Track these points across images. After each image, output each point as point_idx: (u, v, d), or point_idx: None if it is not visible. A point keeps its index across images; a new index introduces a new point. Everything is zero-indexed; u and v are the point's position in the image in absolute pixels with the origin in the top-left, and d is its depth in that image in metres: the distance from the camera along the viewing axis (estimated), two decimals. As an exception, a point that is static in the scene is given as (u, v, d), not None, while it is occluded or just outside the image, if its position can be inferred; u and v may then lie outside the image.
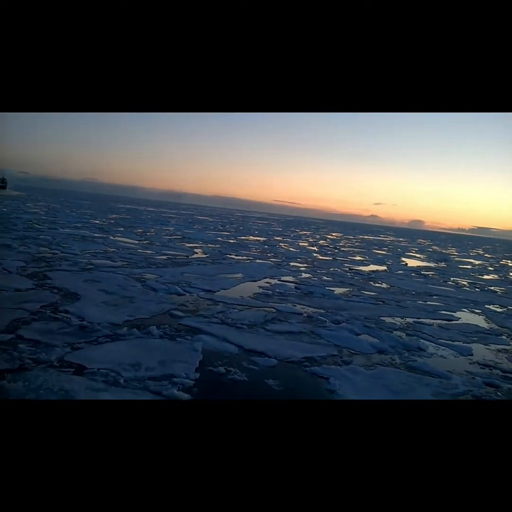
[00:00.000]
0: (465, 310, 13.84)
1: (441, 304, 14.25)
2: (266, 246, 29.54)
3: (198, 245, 25.16)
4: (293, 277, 16.59)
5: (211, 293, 11.81)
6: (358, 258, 28.61)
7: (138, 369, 6.08)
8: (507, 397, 6.69)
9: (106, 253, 17.54)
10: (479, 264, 36.52)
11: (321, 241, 43.25)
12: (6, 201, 48.66)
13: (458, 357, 8.65)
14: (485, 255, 54.67)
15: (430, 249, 52.63)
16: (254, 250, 25.70)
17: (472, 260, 40.79)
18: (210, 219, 67.64)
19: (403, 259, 32.38)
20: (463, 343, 9.63)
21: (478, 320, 12.54)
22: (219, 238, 31.88)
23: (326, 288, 14.65)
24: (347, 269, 21.29)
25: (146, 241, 23.77)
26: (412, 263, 29.88)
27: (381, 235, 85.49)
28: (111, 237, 23.82)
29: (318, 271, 19.22)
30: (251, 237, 37.94)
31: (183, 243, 25.08)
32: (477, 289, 19.41)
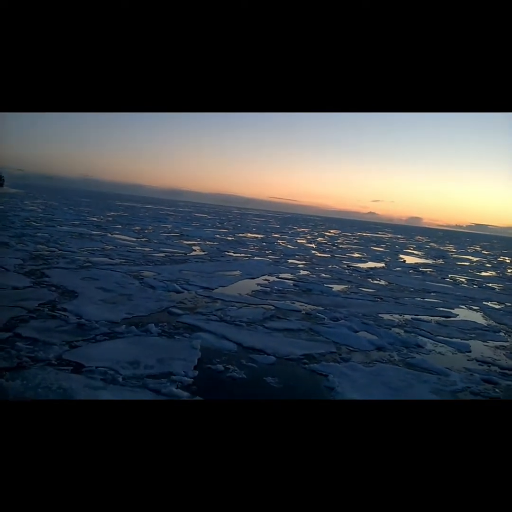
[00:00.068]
0: (463, 306, 13.86)
1: (439, 301, 14.27)
2: (264, 243, 29.52)
3: (196, 242, 25.14)
4: (292, 274, 16.59)
5: (209, 291, 11.80)
6: (356, 255, 28.61)
7: (137, 367, 6.07)
8: (506, 393, 6.70)
9: (104, 250, 17.50)
10: (476, 261, 36.59)
11: (319, 238, 43.25)
12: (3, 199, 48.52)
13: (456, 353, 8.66)
14: (482, 252, 54.77)
15: (428, 246, 52.69)
16: (252, 247, 25.68)
17: (469, 257, 40.86)
18: (208, 217, 67.59)
19: (401, 256, 32.40)
20: (461, 339, 9.64)
21: (476, 317, 12.56)
22: (217, 236, 31.86)
23: (325, 285, 14.65)
24: (345, 266, 21.29)
25: (144, 239, 23.74)
26: (410, 260, 29.91)
27: (379, 232, 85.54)
28: (109, 235, 23.76)
29: (316, 268, 19.22)
30: (249, 234, 37.93)
31: (181, 241, 25.05)
32: (475, 286, 19.44)
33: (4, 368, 5.52)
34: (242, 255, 21.23)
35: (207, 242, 25.81)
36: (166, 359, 6.46)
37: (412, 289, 16.11)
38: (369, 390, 6.17)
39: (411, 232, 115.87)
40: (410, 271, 22.44)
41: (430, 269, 24.34)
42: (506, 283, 22.18)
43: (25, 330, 6.98)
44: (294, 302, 11.62)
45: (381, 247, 39.74)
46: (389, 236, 73.17)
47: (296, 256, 23.28)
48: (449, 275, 22.31)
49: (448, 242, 75.87)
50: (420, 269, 23.98)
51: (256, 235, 37.74)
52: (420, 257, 34.36)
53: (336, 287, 14.60)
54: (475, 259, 39.09)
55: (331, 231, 65.92)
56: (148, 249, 19.46)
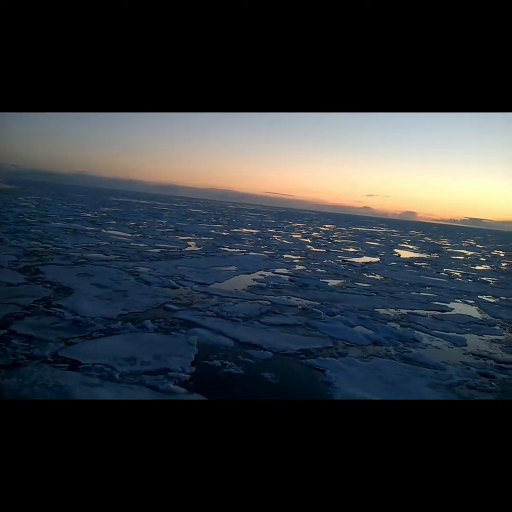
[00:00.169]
0: (458, 300, 13.92)
1: (434, 295, 14.32)
2: (260, 239, 29.50)
3: (191, 238, 25.08)
4: (287, 269, 16.59)
5: (205, 286, 11.77)
6: (351, 249, 28.66)
7: (134, 364, 6.05)
8: (502, 387, 6.74)
9: (98, 246, 17.42)
10: (471, 255, 36.75)
11: (314, 233, 43.27)
12: (-4, 195, 48.14)
13: (452, 347, 8.70)
14: (477, 246, 55.04)
15: (423, 240, 52.86)
16: (248, 243, 25.66)
17: (464, 251, 41.04)
18: (203, 212, 67.42)
19: (396, 250, 32.49)
20: (457, 333, 9.69)
21: (471, 311, 12.62)
22: (212, 231, 31.80)
23: (320, 280, 14.66)
24: (341, 261, 21.32)
25: (139, 234, 23.65)
26: (405, 254, 29.99)
27: (374, 227, 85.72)
28: (104, 231, 23.66)
29: (312, 263, 19.23)
30: (244, 230, 37.88)
31: (176, 236, 24.98)
32: (469, 280, 19.53)
33: (-1, 366, 5.49)
34: (238, 250, 21.20)
35: (202, 238, 25.75)
36: (162, 355, 6.45)
37: (407, 284, 16.15)
38: (366, 385, 6.19)
39: (405, 227, 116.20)
40: (405, 265, 22.51)
41: (425, 264, 24.42)
42: (501, 276, 22.29)
43: (20, 327, 6.93)
44: (290, 297, 11.62)
45: (376, 242, 39.82)
46: (384, 230, 73.34)
47: (292, 251, 23.29)
48: (444, 269, 22.40)
49: (442, 236, 76.16)
50: (415, 263, 24.06)
51: (251, 230, 37.70)
52: (415, 251, 34.46)
53: (332, 282, 14.61)
54: (469, 253, 39.27)
55: (326, 225, 65.97)
56: (143, 244, 19.39)
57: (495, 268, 26.87)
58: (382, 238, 48.15)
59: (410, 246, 39.58)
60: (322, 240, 35.01)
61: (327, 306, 10.78)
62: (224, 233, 30.93)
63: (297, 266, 17.79)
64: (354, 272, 17.84)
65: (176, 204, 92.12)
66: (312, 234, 41.83)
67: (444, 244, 50.36)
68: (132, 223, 30.79)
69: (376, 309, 11.14)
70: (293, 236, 36.22)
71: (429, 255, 31.26)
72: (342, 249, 28.25)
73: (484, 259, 33.27)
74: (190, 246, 21.12)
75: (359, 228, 69.10)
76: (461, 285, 17.52)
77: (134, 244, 19.35)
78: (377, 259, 24.23)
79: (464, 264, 26.77)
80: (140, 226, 29.03)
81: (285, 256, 20.84)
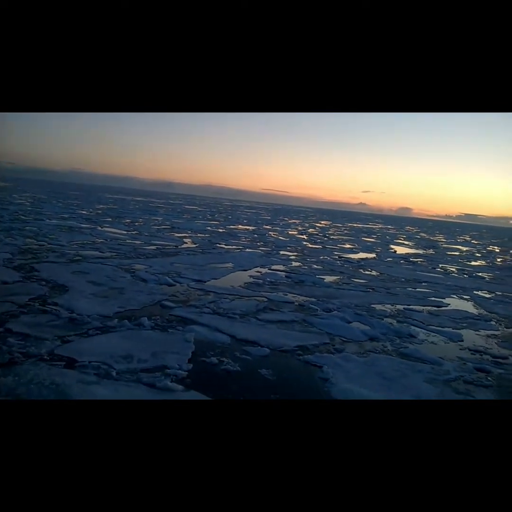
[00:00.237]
0: (454, 296, 13.96)
1: (430, 290, 14.36)
2: (256, 235, 29.47)
3: (187, 235, 25.02)
4: (284, 266, 16.58)
5: (201, 283, 11.75)
6: (347, 246, 28.70)
7: (130, 361, 6.02)
8: (498, 382, 6.77)
9: (94, 244, 17.35)
10: (466, 251, 36.88)
11: (310, 230, 43.29)
12: (-10, 192, 47.87)
13: (448, 343, 8.72)
14: (472, 241, 55.24)
15: (418, 236, 53.00)
16: (244, 239, 25.63)
17: (459, 247, 41.18)
18: (199, 209, 67.30)
19: (392, 246, 32.56)
20: (453, 329, 9.71)
21: (467, 306, 12.67)
22: (209, 228, 31.75)
23: (317, 276, 14.67)
24: (337, 257, 21.34)
25: (135, 232, 23.57)
26: (400, 250, 30.06)
27: (370, 223, 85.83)
28: (99, 228, 23.56)
29: (308, 259, 19.24)
30: (240, 226, 37.85)
31: (172, 233, 24.92)
32: (465, 275, 19.59)
33: (-5, 364, 5.45)
34: (234, 247, 21.18)
35: (199, 235, 25.70)
36: (159, 352, 6.43)
37: (404, 279, 16.19)
38: (363, 381, 6.20)
39: (401, 223, 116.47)
40: (401, 261, 22.55)
41: (421, 259, 24.49)
42: (496, 272, 22.39)
43: (16, 326, 6.89)
44: (287, 293, 11.61)
45: (372, 238, 39.88)
46: (380, 226, 73.47)
47: (288, 248, 23.28)
48: (440, 265, 22.47)
49: (438, 232, 76.40)
50: (411, 259, 24.11)
51: (248, 227, 37.68)
52: (410, 247, 34.56)
53: (328, 278, 14.62)
54: (465, 248, 39.40)
55: (322, 222, 66.00)
56: (139, 242, 19.33)
57: (490, 264, 26.97)
58: (378, 234, 48.23)
59: (406, 242, 39.68)
60: (318, 236, 35.02)
61: (323, 303, 10.79)
62: (220, 230, 30.90)
63: (293, 262, 17.79)
64: (350, 268, 17.86)
65: (171, 201, 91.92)
66: (308, 230, 41.84)
67: (439, 239, 50.52)
68: (127, 220, 30.69)
69: (372, 305, 11.15)
70: (289, 232, 36.21)
71: (424, 251, 31.35)
72: (338, 245, 28.27)
73: (479, 255, 33.40)
74: (186, 243, 21.07)
75: (355, 224, 69.17)
76: (456, 280, 17.58)
77: (130, 241, 19.28)
78: (373, 255, 24.27)
79: (459, 260, 26.86)
80: (136, 223, 28.95)
81: (281, 252, 20.83)
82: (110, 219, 30.17)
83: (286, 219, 63.53)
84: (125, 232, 23.01)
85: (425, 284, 15.64)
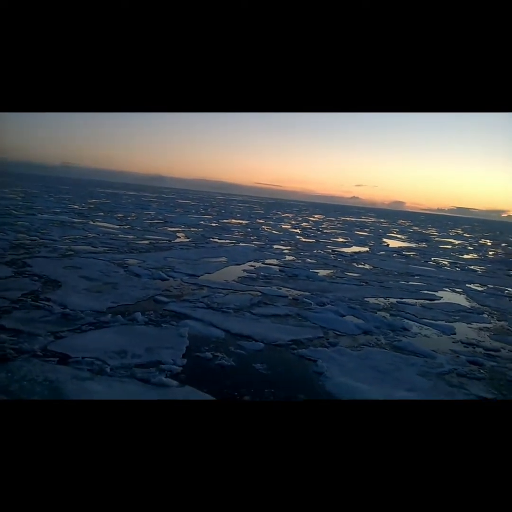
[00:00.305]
0: (447, 289, 14.05)
1: (423, 284, 14.43)
2: (249, 229, 29.44)
3: (180, 229, 24.93)
4: (277, 260, 16.59)
5: (195, 278, 11.72)
6: (340, 239, 28.74)
7: (124, 357, 6.00)
8: (490, 374, 6.82)
9: (86, 238, 17.24)
10: (459, 244, 37.10)
11: (304, 223, 43.31)
12: (-20, 187, 47.35)
13: (441, 336, 8.78)
14: (464, 235, 55.56)
15: (411, 230, 53.20)
16: (237, 233, 25.59)
17: (452, 240, 41.41)
18: (192, 203, 67.06)
19: (385, 240, 32.66)
20: (446, 322, 9.77)
21: (460, 299, 12.75)
22: (202, 222, 31.65)
23: (310, 270, 14.68)
24: (330, 251, 21.38)
25: (127, 226, 23.45)
26: (393, 244, 30.17)
27: (363, 217, 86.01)
28: (91, 222, 23.41)
29: (302, 253, 19.25)
30: (233, 220, 37.78)
31: (165, 228, 24.82)
32: (457, 269, 19.71)
33: (-13, 361, 5.41)
34: (227, 241, 21.14)
35: (192, 229, 25.62)
36: (154, 348, 6.41)
37: (396, 273, 16.26)
38: (358, 374, 6.22)
39: (394, 216, 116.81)
40: (394, 255, 22.64)
41: (413, 253, 24.59)
42: (488, 265, 22.54)
43: (8, 321, 6.84)
44: (281, 287, 11.62)
45: (365, 232, 39.98)
46: (372, 220, 73.65)
47: (281, 242, 23.29)
48: (432, 258, 22.58)
49: (430, 225, 76.73)
50: (404, 252, 24.21)
51: (241, 221, 37.61)
52: (403, 241, 34.69)
53: (322, 272, 14.65)
54: (457, 242, 39.62)
55: (315, 216, 66.05)
56: (132, 236, 19.24)
57: (482, 257, 27.15)
58: (370, 228, 48.35)
59: (399, 236, 39.82)
60: (311, 230, 35.05)
61: (317, 296, 10.81)
62: (214, 224, 30.82)
63: (287, 256, 17.80)
64: (344, 262, 17.90)
65: (164, 195, 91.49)
66: (302, 224, 41.86)
67: (432, 233, 50.75)
68: (120, 215, 30.52)
69: (366, 299, 11.19)
70: (283, 226, 36.21)
71: (417, 245, 31.49)
72: (332, 239, 28.32)
73: (471, 248, 33.61)
74: (179, 237, 21.00)
75: (348, 218, 69.29)
76: (449, 274, 17.68)
77: (123, 236, 19.18)
78: (366, 248, 24.33)
79: (451, 253, 27.01)
80: (129, 218, 28.79)
81: (275, 246, 20.83)
82: (102, 214, 29.99)
83: (279, 213, 63.50)
84: (117, 226, 22.89)
85: (418, 277, 15.72)
